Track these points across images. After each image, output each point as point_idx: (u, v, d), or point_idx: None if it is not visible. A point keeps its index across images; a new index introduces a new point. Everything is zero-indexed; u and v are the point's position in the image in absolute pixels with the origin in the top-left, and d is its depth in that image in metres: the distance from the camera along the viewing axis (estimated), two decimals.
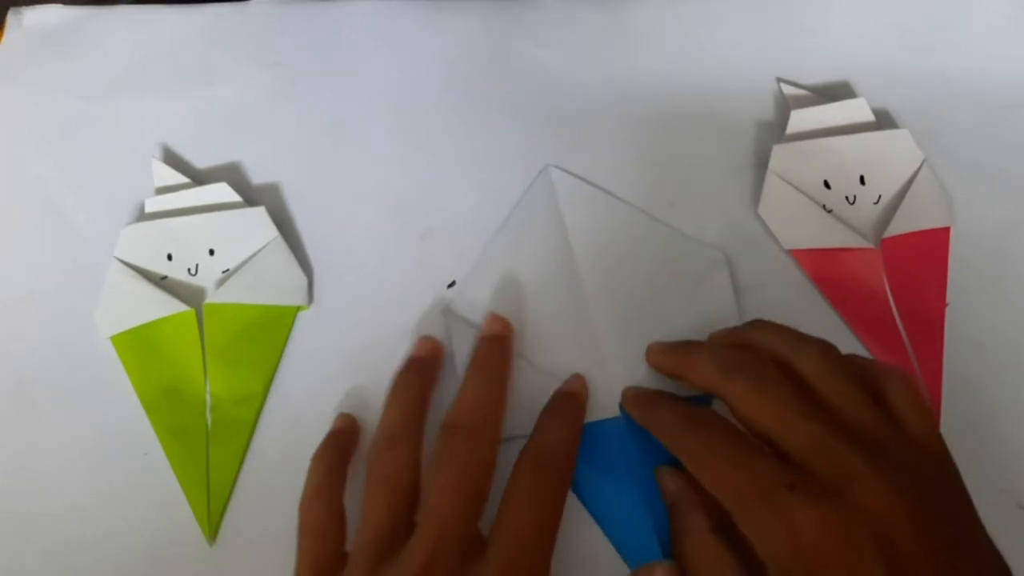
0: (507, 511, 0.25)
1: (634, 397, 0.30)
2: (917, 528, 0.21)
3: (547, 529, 0.25)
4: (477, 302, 0.33)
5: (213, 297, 0.33)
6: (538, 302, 0.32)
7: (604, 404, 0.30)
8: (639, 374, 0.31)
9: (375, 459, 0.27)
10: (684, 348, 0.29)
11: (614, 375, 0.31)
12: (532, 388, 0.30)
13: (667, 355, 0.30)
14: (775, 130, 0.36)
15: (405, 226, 0.35)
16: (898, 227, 0.33)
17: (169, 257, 0.34)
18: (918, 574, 0.21)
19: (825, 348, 0.26)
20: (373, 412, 0.30)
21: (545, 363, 0.31)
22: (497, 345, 0.30)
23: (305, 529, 0.27)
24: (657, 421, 0.28)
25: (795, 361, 0.26)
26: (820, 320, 0.32)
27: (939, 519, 0.22)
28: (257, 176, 0.37)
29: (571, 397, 0.30)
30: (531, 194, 0.35)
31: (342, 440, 0.30)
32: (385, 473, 0.27)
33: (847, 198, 0.34)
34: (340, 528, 0.27)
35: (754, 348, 0.27)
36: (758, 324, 0.28)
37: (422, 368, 0.30)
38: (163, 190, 0.36)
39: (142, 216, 0.35)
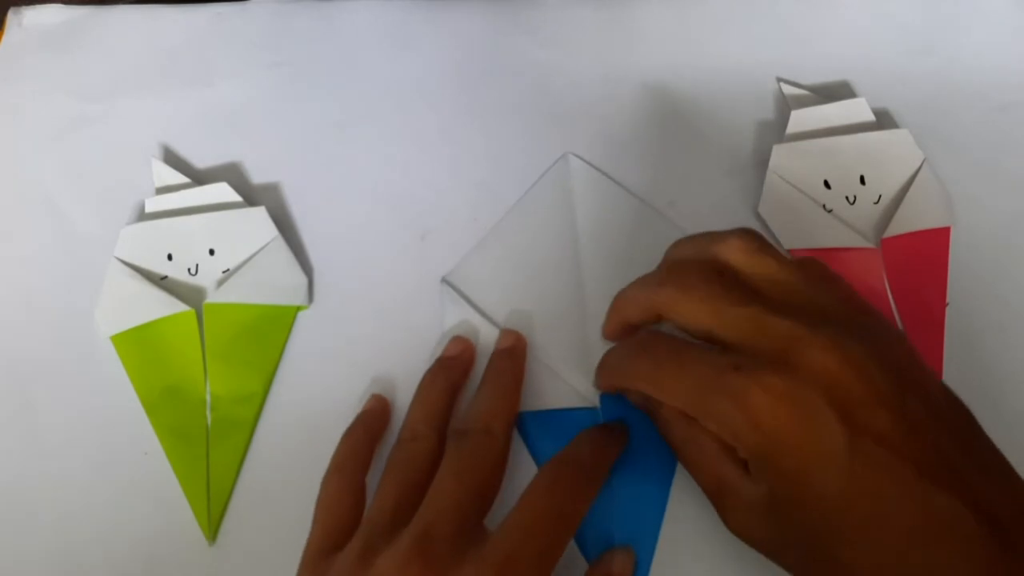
0: (519, 506, 0.25)
1: (597, 374, 0.30)
2: (868, 381, 0.22)
3: (555, 529, 0.25)
4: (476, 277, 0.33)
5: (213, 297, 0.33)
6: (536, 285, 0.33)
7: (586, 393, 0.31)
8: None
9: (395, 449, 0.28)
10: (613, 303, 0.30)
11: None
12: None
13: (606, 325, 0.31)
14: (775, 130, 0.36)
15: (405, 226, 0.35)
16: (898, 227, 0.33)
17: (169, 257, 0.34)
18: (870, 418, 0.22)
19: (743, 233, 0.26)
20: None
21: (534, 345, 0.31)
22: (510, 358, 0.31)
23: (322, 502, 0.27)
24: (611, 368, 0.29)
25: (719, 254, 0.26)
26: None
27: (885, 365, 0.23)
28: (257, 176, 0.37)
29: (615, 426, 0.29)
30: (547, 179, 0.35)
31: (371, 420, 0.30)
32: (403, 458, 0.27)
33: (847, 198, 0.34)
34: (357, 505, 0.27)
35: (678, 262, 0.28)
36: (675, 243, 0.29)
37: (451, 367, 0.30)
38: (163, 190, 0.36)
39: (142, 216, 0.35)
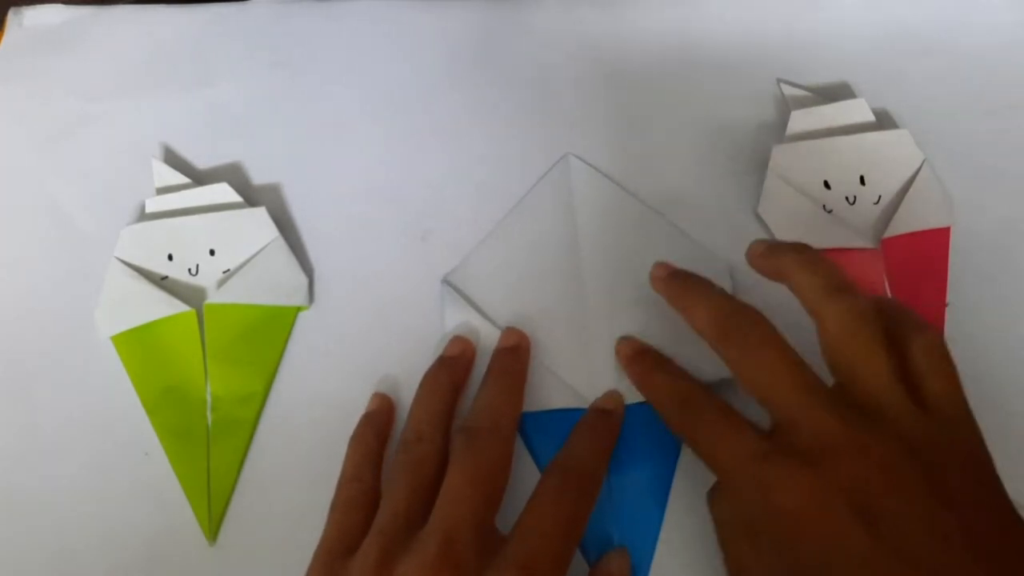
0: (531, 511, 0.25)
1: (631, 356, 0.30)
2: (902, 494, 0.22)
3: (568, 533, 0.25)
4: (477, 277, 0.33)
5: (214, 297, 0.33)
6: (536, 286, 0.33)
7: (586, 393, 0.31)
8: None
9: (401, 451, 0.28)
10: (687, 288, 0.29)
11: (599, 366, 0.31)
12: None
13: (669, 286, 0.30)
14: (775, 130, 0.36)
15: (405, 226, 0.35)
16: (898, 227, 0.33)
17: (170, 257, 0.34)
18: (905, 535, 0.21)
19: (853, 305, 0.25)
20: None
21: (534, 346, 0.31)
22: (513, 356, 0.31)
23: (338, 505, 0.27)
24: (653, 391, 0.29)
25: (818, 315, 0.26)
26: None
27: (933, 484, 0.22)
28: (257, 176, 0.37)
29: (607, 415, 0.30)
30: (547, 179, 0.35)
31: (379, 421, 0.30)
32: (410, 460, 0.27)
33: (847, 198, 0.34)
34: (372, 507, 0.27)
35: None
36: (798, 255, 0.27)
37: (452, 367, 0.30)
38: (163, 190, 0.35)
39: (142, 216, 0.35)
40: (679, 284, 0.29)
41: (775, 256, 0.28)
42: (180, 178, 0.36)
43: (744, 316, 0.26)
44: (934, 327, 0.26)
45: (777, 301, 0.32)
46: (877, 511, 0.22)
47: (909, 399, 0.24)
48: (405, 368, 0.31)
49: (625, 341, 0.31)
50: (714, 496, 0.26)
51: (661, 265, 0.31)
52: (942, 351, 0.25)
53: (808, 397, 0.24)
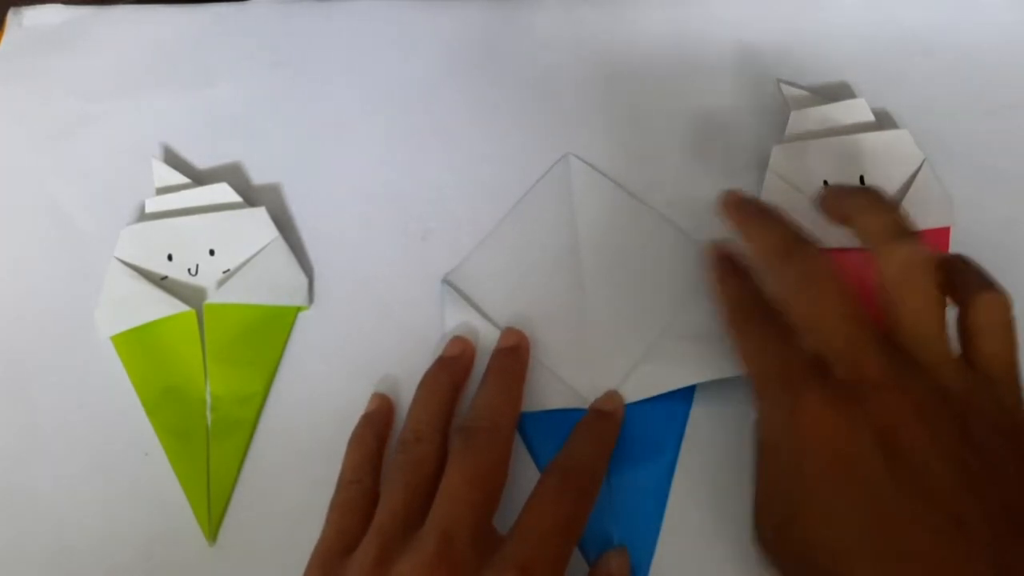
0: (530, 510, 0.25)
1: (737, 202, 0.30)
2: (930, 433, 0.22)
3: (567, 534, 0.25)
4: (477, 277, 0.33)
5: (213, 297, 0.33)
6: (536, 286, 0.33)
7: (586, 394, 0.31)
8: (627, 367, 0.31)
9: (400, 451, 0.28)
10: (755, 211, 0.29)
11: (599, 366, 0.31)
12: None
13: (738, 210, 0.30)
14: (775, 130, 0.36)
15: (405, 226, 0.35)
16: None
17: (169, 257, 0.34)
18: (927, 468, 0.21)
19: (915, 250, 0.25)
20: None
21: (534, 346, 0.31)
22: (513, 356, 0.31)
23: (338, 505, 0.27)
24: (720, 289, 0.29)
25: (879, 254, 0.26)
26: None
27: (963, 429, 0.22)
28: (257, 176, 0.37)
29: (607, 416, 0.30)
30: (547, 179, 0.35)
31: (378, 422, 0.30)
32: (409, 461, 0.27)
33: None
34: (371, 506, 0.27)
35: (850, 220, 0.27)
36: (864, 197, 0.28)
37: (451, 367, 0.30)
38: (163, 190, 0.36)
39: (142, 216, 0.35)
40: (748, 209, 0.30)
41: (841, 199, 0.28)
42: (180, 178, 0.36)
43: (807, 247, 0.27)
44: (997, 288, 0.25)
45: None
46: (900, 446, 0.22)
47: (954, 353, 0.24)
48: (405, 368, 0.31)
49: (729, 192, 0.30)
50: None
51: (731, 192, 0.30)
52: (1003, 313, 0.25)
53: (856, 330, 0.24)
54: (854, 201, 0.28)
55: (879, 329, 0.25)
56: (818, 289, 0.25)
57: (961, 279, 0.26)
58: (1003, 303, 0.25)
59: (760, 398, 0.25)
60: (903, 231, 0.26)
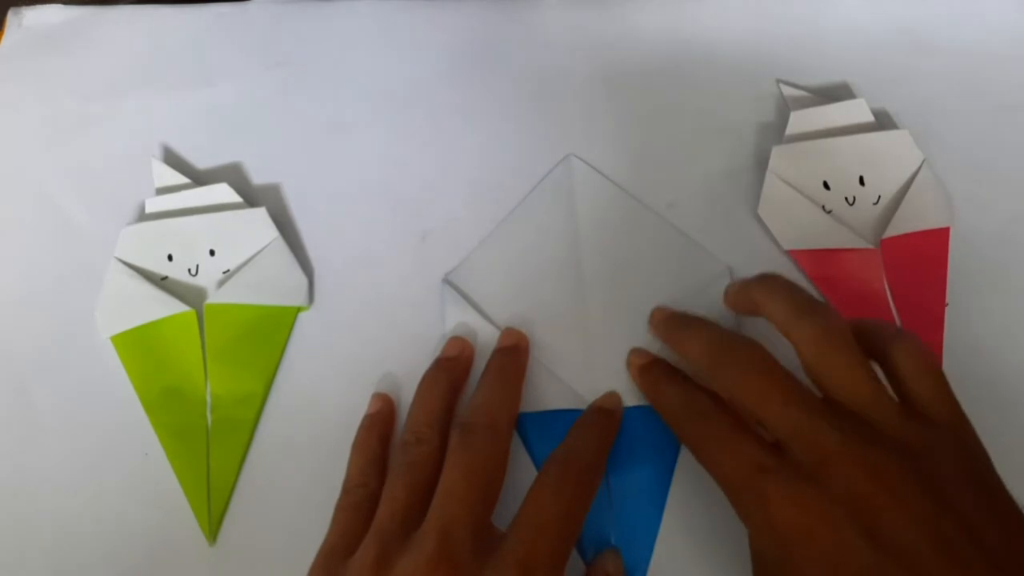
0: (529, 503, 0.25)
1: (642, 367, 0.30)
2: (901, 503, 0.22)
3: (567, 526, 0.25)
4: (478, 278, 0.33)
5: (214, 297, 0.33)
6: (537, 287, 0.33)
7: (585, 394, 0.31)
8: (627, 368, 0.31)
9: (399, 452, 0.28)
10: (681, 323, 0.30)
11: (599, 366, 0.31)
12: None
13: (666, 326, 0.31)
14: (775, 131, 0.36)
15: (405, 226, 0.35)
16: (898, 227, 0.33)
17: (170, 257, 0.34)
18: (907, 545, 0.21)
19: (824, 322, 0.25)
20: None
21: (534, 347, 0.31)
22: (512, 355, 0.31)
23: (341, 509, 0.27)
24: (661, 401, 0.29)
25: (791, 336, 0.26)
26: None
27: (932, 489, 0.22)
28: (257, 176, 0.37)
29: (606, 414, 0.30)
30: (549, 180, 0.35)
31: (380, 423, 0.30)
32: (409, 462, 0.27)
33: (847, 199, 0.34)
34: (375, 509, 0.27)
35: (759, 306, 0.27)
36: (766, 284, 0.28)
37: (450, 368, 0.31)
38: (163, 190, 0.36)
39: (142, 216, 0.35)
40: (675, 323, 0.30)
41: (745, 292, 0.29)
42: (180, 178, 0.36)
43: (736, 343, 0.27)
44: (912, 333, 0.26)
45: None
46: (876, 522, 0.22)
47: (897, 406, 0.24)
48: (405, 368, 0.31)
49: (637, 352, 0.31)
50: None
51: (659, 309, 0.32)
52: (923, 354, 0.25)
53: (800, 411, 0.24)
54: (757, 290, 0.28)
55: (824, 402, 0.25)
56: (755, 382, 0.25)
57: (873, 336, 0.26)
58: (918, 345, 0.25)
59: (733, 505, 0.25)
60: (808, 308, 0.26)
